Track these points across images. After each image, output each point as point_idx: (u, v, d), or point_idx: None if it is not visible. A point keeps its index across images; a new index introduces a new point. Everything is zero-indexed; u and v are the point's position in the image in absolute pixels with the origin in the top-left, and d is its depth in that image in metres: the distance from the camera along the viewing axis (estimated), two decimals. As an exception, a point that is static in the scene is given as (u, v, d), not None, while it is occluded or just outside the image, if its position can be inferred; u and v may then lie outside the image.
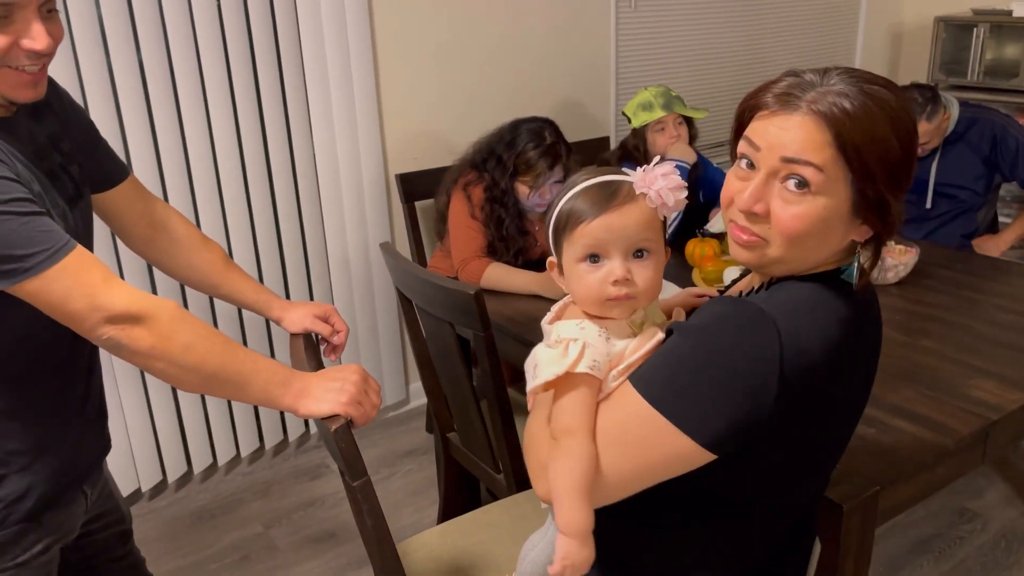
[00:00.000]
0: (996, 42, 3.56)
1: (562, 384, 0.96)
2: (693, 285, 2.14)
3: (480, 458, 1.90)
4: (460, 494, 2.22)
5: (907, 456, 1.37)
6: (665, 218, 1.01)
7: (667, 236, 1.03)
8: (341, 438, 1.10)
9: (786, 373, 0.89)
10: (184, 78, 2.28)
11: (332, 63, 2.51)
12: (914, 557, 2.20)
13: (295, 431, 2.81)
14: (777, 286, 0.98)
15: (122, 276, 2.29)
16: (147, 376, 2.42)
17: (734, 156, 0.99)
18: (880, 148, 0.90)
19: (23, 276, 0.98)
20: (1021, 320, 1.85)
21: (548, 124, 2.33)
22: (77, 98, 2.08)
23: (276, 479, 2.66)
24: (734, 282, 1.19)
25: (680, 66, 3.39)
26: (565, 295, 1.08)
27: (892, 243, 2.05)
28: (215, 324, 2.52)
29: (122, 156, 2.21)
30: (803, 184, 0.91)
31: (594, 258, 0.99)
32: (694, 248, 2.24)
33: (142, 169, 2.27)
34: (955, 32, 3.65)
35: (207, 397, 2.56)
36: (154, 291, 2.36)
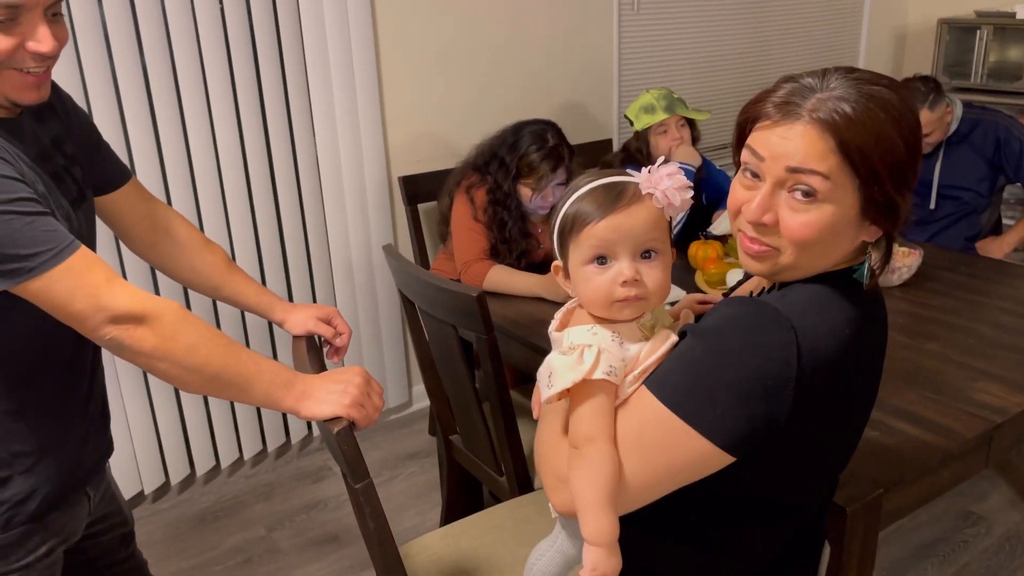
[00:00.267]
0: (999, 44, 3.56)
1: (579, 392, 0.95)
2: (696, 287, 2.14)
3: (483, 461, 1.90)
4: (463, 497, 2.22)
5: (911, 459, 1.36)
6: (671, 218, 1.01)
7: (672, 237, 1.03)
8: (343, 440, 1.10)
9: (804, 372, 0.89)
10: (186, 78, 2.28)
11: (335, 66, 2.51)
12: (918, 561, 2.20)
13: (298, 433, 2.81)
14: (788, 287, 0.98)
15: (125, 277, 2.27)
16: (150, 378, 2.42)
17: (738, 165, 0.99)
18: (884, 150, 0.89)
19: (27, 276, 0.98)
20: (1025, 323, 1.85)
21: (551, 126, 2.33)
22: (81, 102, 2.09)
23: (279, 481, 2.66)
24: (739, 284, 1.18)
25: (682, 68, 3.39)
26: (568, 298, 1.07)
27: (896, 245, 2.05)
28: (218, 326, 2.52)
29: (125, 159, 2.22)
30: (810, 193, 0.91)
31: (602, 260, 0.98)
32: (697, 250, 2.24)
33: (145, 171, 2.27)
34: (959, 34, 3.65)
35: (210, 399, 2.56)
36: (157, 292, 2.36)
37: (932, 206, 2.86)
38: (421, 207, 2.70)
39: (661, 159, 1.02)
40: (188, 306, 2.42)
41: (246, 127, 2.42)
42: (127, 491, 2.45)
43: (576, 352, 0.95)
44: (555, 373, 0.95)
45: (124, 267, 2.30)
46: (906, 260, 2.07)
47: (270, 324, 2.57)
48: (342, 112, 2.56)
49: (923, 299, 2.00)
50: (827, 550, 1.21)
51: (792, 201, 0.92)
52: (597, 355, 0.94)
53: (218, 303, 2.49)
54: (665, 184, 0.95)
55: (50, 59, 1.06)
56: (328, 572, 2.24)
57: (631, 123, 2.57)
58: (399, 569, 1.23)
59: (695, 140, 2.58)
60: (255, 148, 2.44)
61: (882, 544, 2.23)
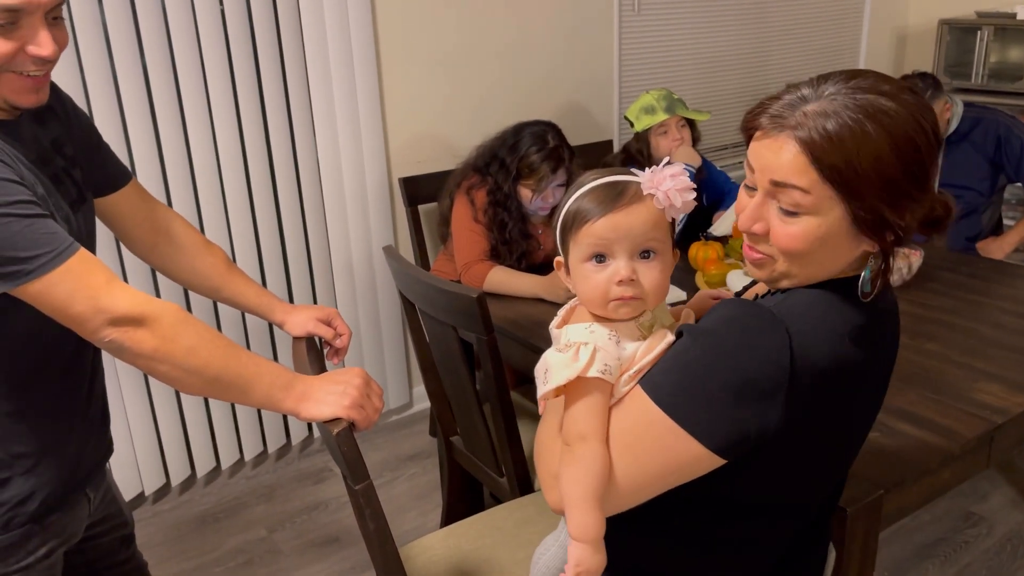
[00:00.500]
0: (1000, 45, 3.56)
1: (573, 389, 0.95)
2: (696, 288, 2.14)
3: (483, 462, 1.90)
4: (463, 498, 2.22)
5: (911, 460, 1.36)
6: (673, 219, 1.01)
7: (674, 237, 1.03)
8: (343, 441, 1.10)
9: (796, 377, 0.89)
10: (186, 78, 2.29)
11: (335, 66, 2.51)
12: (919, 561, 2.19)
13: (298, 435, 2.81)
14: (790, 291, 0.98)
15: (126, 279, 2.30)
16: (150, 380, 2.42)
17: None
18: (869, 165, 0.87)
19: (26, 278, 0.98)
20: (1026, 323, 1.85)
21: (551, 128, 2.33)
22: (81, 102, 2.09)
23: (279, 483, 2.66)
24: (747, 287, 1.18)
25: (683, 69, 3.39)
26: (568, 299, 1.07)
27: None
28: (218, 327, 2.52)
29: (126, 160, 2.22)
30: (794, 205, 0.91)
31: (600, 258, 0.98)
32: (697, 251, 2.24)
33: (145, 173, 2.27)
34: (959, 35, 3.65)
35: (210, 401, 2.56)
36: (157, 294, 2.36)
37: None
38: (421, 208, 2.70)
39: (666, 159, 1.02)
40: (188, 307, 2.42)
41: (246, 127, 2.42)
42: (127, 492, 2.45)
43: (572, 350, 0.96)
44: (550, 370, 0.96)
45: (124, 269, 2.30)
46: (907, 260, 2.07)
47: (270, 325, 2.57)
48: (342, 113, 2.56)
49: (924, 299, 2.00)
50: (832, 555, 1.21)
51: (780, 212, 0.93)
52: (592, 353, 0.94)
53: (218, 304, 2.49)
54: (667, 185, 0.95)
55: (50, 63, 1.06)
56: (329, 573, 2.24)
57: (631, 124, 2.57)
58: (400, 570, 1.23)
59: (695, 141, 2.58)
60: (255, 149, 2.45)
61: (883, 544, 2.22)
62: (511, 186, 2.29)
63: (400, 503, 2.52)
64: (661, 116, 2.48)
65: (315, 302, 2.70)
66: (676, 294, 2.02)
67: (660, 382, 0.94)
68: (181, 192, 2.35)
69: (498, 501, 1.89)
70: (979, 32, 3.55)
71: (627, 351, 0.97)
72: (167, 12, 2.22)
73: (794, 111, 0.90)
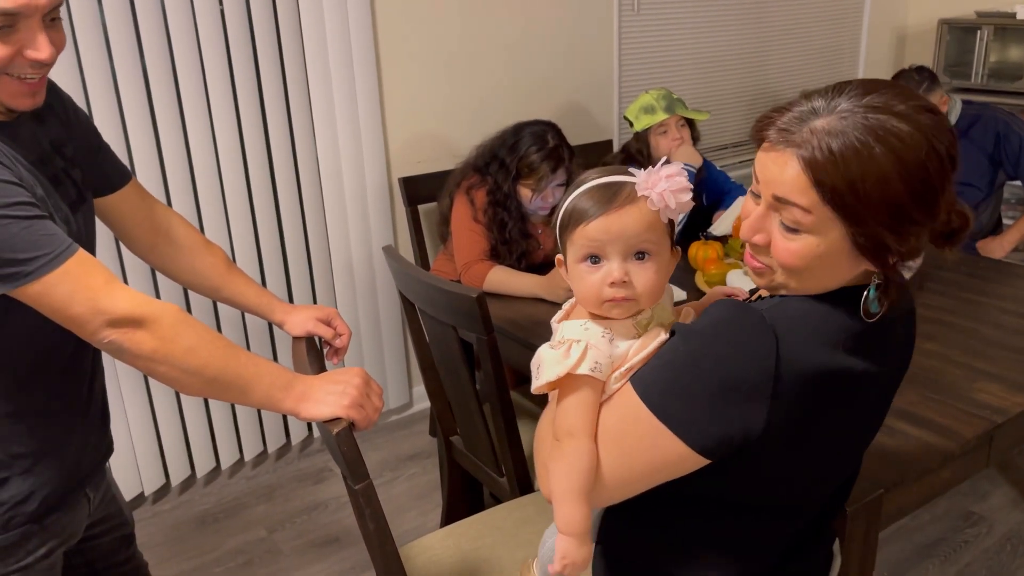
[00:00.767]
0: (1000, 44, 3.56)
1: (565, 385, 0.97)
2: (696, 288, 2.14)
3: (483, 462, 1.90)
4: (463, 498, 2.22)
5: (911, 459, 1.36)
6: (672, 219, 1.00)
7: (674, 237, 1.03)
8: (343, 441, 1.10)
9: (781, 382, 0.88)
10: (186, 78, 2.29)
11: (335, 66, 2.51)
12: (919, 561, 2.20)
13: (298, 435, 2.81)
14: (786, 297, 0.97)
15: (125, 280, 2.30)
16: (150, 380, 2.42)
17: None
18: (872, 189, 0.85)
19: (25, 280, 0.98)
20: (1026, 323, 1.85)
21: (551, 127, 2.33)
22: (81, 103, 2.09)
23: (279, 483, 2.66)
24: (754, 291, 1.18)
25: (683, 69, 3.39)
26: (568, 299, 1.08)
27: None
28: (218, 327, 2.52)
29: (125, 160, 2.22)
30: (795, 222, 0.90)
31: (594, 259, 0.98)
32: (697, 251, 2.23)
33: (145, 173, 2.27)
34: (959, 34, 3.65)
35: (210, 401, 2.56)
36: (157, 295, 2.36)
37: None
38: (421, 208, 2.70)
39: (664, 159, 1.02)
40: (188, 307, 2.42)
41: (246, 128, 2.42)
42: (127, 492, 2.45)
43: (564, 346, 0.97)
44: (542, 365, 0.98)
45: (124, 269, 2.30)
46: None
47: (270, 325, 2.57)
48: (342, 113, 2.56)
49: (923, 299, 2.00)
50: (838, 560, 1.21)
51: (781, 227, 0.92)
52: (584, 351, 0.95)
53: (218, 304, 2.49)
54: (662, 186, 0.95)
55: (47, 66, 1.05)
56: (329, 573, 2.24)
57: (631, 124, 2.57)
58: (400, 570, 1.23)
59: (695, 140, 2.58)
60: (255, 149, 2.45)
61: (883, 544, 2.22)
62: (511, 186, 2.29)
63: (400, 503, 2.52)
64: (661, 116, 2.48)
65: (315, 302, 2.70)
66: (677, 294, 2.02)
67: (648, 380, 0.94)
68: (181, 192, 2.35)
69: (498, 501, 1.89)
70: (979, 32, 3.55)
71: (619, 349, 0.98)
72: (167, 13, 2.22)
73: (802, 126, 0.88)
